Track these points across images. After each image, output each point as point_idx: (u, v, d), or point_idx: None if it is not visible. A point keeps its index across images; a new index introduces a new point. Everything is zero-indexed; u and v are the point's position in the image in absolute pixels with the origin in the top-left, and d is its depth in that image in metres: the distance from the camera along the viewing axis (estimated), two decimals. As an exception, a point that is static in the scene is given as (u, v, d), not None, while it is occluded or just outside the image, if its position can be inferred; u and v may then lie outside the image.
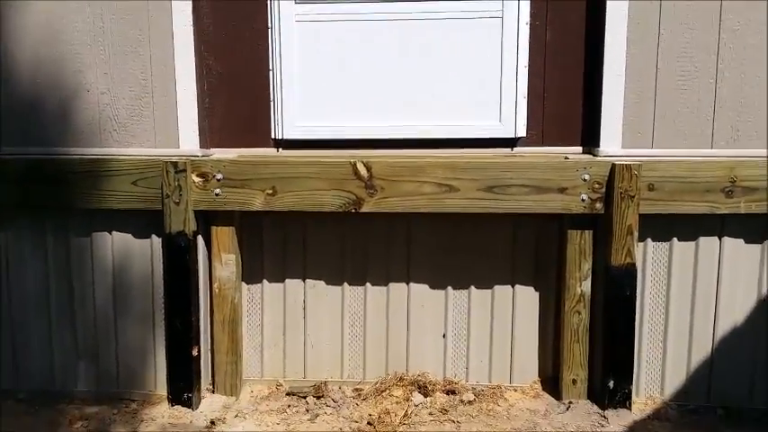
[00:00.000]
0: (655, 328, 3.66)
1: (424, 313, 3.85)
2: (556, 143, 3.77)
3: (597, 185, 3.44)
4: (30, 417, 3.67)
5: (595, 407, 3.59)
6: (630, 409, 3.53)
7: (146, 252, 3.77)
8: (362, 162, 3.54)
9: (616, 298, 3.48)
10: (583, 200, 3.45)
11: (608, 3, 3.49)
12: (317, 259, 3.86)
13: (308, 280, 3.88)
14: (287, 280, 3.89)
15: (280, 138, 3.86)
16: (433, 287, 3.83)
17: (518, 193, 3.48)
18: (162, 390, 3.81)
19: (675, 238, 3.58)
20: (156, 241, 3.74)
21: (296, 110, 3.82)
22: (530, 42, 3.69)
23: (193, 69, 3.68)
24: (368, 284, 3.85)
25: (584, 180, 3.44)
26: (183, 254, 3.63)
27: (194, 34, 3.66)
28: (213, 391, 3.84)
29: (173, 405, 3.71)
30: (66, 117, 3.72)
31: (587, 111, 3.70)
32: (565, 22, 3.68)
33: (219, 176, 3.59)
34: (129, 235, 3.76)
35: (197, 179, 3.60)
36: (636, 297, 3.51)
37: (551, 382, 3.80)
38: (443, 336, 3.86)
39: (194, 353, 3.69)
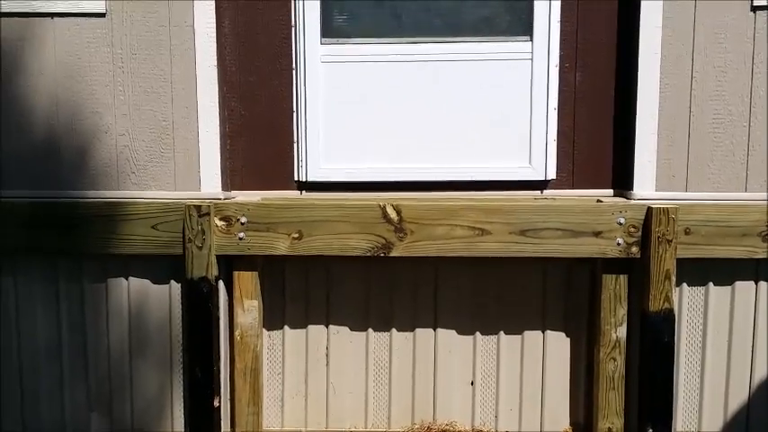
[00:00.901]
0: (691, 375, 3.59)
1: (452, 360, 3.74)
2: (586, 186, 3.72)
3: (633, 229, 3.39)
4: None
5: (633, 456, 3.51)
6: (669, 459, 3.46)
7: (164, 298, 3.63)
8: (392, 205, 3.45)
9: (654, 344, 3.41)
10: (618, 243, 3.40)
11: (640, 46, 3.46)
12: (341, 304, 3.75)
13: (331, 326, 3.76)
14: (309, 326, 3.77)
15: (303, 180, 3.76)
16: (460, 333, 3.73)
17: (551, 237, 3.41)
18: (179, 441, 3.67)
19: (711, 283, 3.53)
20: (175, 287, 3.61)
21: (320, 152, 3.74)
22: (559, 85, 3.66)
23: (216, 110, 3.58)
24: (393, 330, 3.74)
25: (620, 224, 3.39)
26: (206, 300, 3.50)
27: (218, 75, 3.57)
28: (233, 443, 3.71)
29: (192, 458, 3.57)
30: (82, 159, 3.60)
31: (618, 153, 3.67)
32: (595, 65, 3.66)
33: (244, 220, 3.48)
34: (147, 281, 3.62)
35: (220, 223, 3.49)
36: (674, 343, 3.44)
37: (583, 429, 3.71)
38: (471, 383, 3.75)
39: (216, 403, 3.54)
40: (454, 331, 3.74)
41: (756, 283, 3.52)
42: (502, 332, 3.72)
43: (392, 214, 3.45)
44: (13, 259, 3.64)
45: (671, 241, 3.33)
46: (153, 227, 3.50)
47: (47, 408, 3.71)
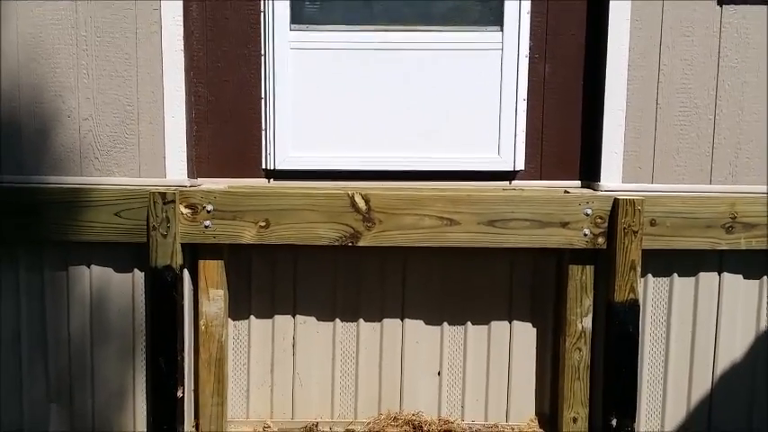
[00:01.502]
0: (655, 364, 3.62)
1: (419, 350, 3.73)
2: (554, 177, 3.73)
3: (600, 220, 3.41)
4: (-4, 464, 3.42)
5: (597, 445, 3.53)
6: (633, 448, 3.49)
7: (127, 287, 3.55)
8: (360, 194, 3.43)
9: (619, 335, 3.43)
10: (585, 234, 3.41)
11: (609, 39, 3.49)
12: (308, 294, 3.71)
13: (298, 316, 3.72)
14: (276, 316, 3.72)
15: (271, 168, 3.72)
16: (428, 323, 3.72)
17: (519, 228, 3.41)
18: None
19: (676, 274, 3.57)
20: (139, 275, 3.54)
21: (288, 140, 3.70)
22: (529, 75, 3.67)
23: (183, 96, 3.52)
24: (361, 320, 3.72)
25: (587, 215, 3.40)
26: (170, 289, 3.44)
27: (184, 59, 3.51)
28: (197, 434, 3.65)
29: (155, 450, 3.51)
30: (44, 143, 3.51)
31: (586, 145, 3.69)
32: (564, 56, 3.67)
33: (210, 208, 3.42)
34: (110, 269, 3.55)
35: (186, 211, 3.43)
36: (639, 334, 3.47)
37: (549, 419, 3.72)
38: (438, 373, 3.75)
39: (179, 394, 3.48)
40: (422, 321, 3.73)
41: (719, 275, 3.56)
42: (469, 322, 3.72)
43: (360, 203, 3.43)
44: (-30, 246, 3.55)
45: (636, 232, 3.36)
46: (116, 214, 3.42)
47: (4, 402, 3.61)
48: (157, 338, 3.48)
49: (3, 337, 3.59)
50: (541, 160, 3.74)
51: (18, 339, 3.60)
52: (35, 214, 3.43)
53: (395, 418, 3.70)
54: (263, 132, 3.72)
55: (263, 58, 3.67)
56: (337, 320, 3.73)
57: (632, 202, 3.35)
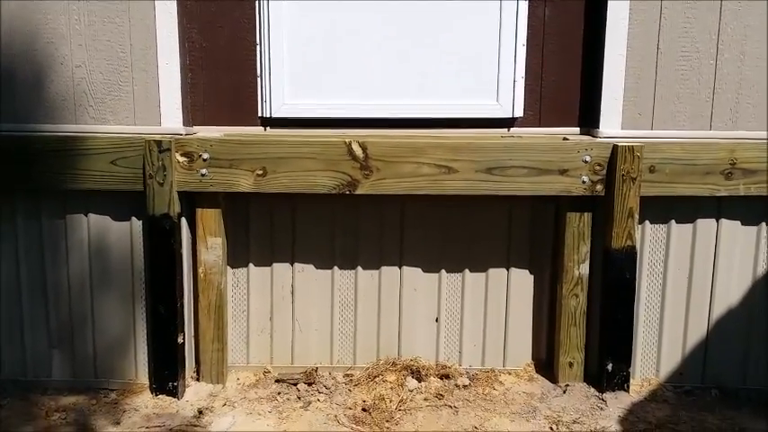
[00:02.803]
0: (651, 311, 3.65)
1: (417, 297, 3.76)
2: (553, 124, 3.70)
3: (598, 167, 3.39)
4: (1, 409, 3.46)
5: (592, 389, 3.57)
6: (628, 392, 3.53)
7: (125, 235, 3.57)
8: (358, 142, 3.40)
9: (616, 281, 3.45)
10: (584, 182, 3.40)
11: (610, -20, 3.43)
12: (306, 242, 3.72)
13: (296, 264, 3.74)
14: (274, 264, 3.74)
15: (267, 116, 3.68)
16: (426, 270, 3.74)
17: (517, 175, 3.40)
18: (143, 378, 3.65)
19: (674, 221, 3.56)
20: (137, 224, 3.55)
21: (285, 87, 3.65)
22: (528, 20, 3.59)
23: (176, 42, 3.47)
24: (359, 268, 3.73)
25: (585, 162, 3.38)
26: (168, 237, 3.45)
27: (177, 4, 3.45)
28: (198, 379, 3.69)
29: (156, 394, 3.55)
30: (38, 91, 3.48)
31: (585, 91, 3.64)
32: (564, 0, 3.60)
33: (206, 156, 3.40)
34: (107, 217, 3.55)
35: (182, 159, 3.41)
36: (636, 280, 3.49)
37: (545, 365, 3.78)
38: (436, 320, 3.78)
39: (180, 340, 3.52)
40: (419, 269, 3.74)
41: (718, 221, 3.55)
42: (467, 270, 3.73)
43: (358, 151, 3.41)
44: (-32, 195, 3.55)
45: (635, 179, 3.34)
46: (112, 162, 3.41)
47: (7, 348, 3.66)
48: (157, 286, 3.50)
49: (3, 284, 3.62)
50: (540, 107, 3.70)
51: (18, 287, 3.63)
52: (31, 163, 3.43)
53: (393, 363, 3.75)
54: (259, 79, 3.67)
55: (257, 2, 3.60)
56: (336, 268, 3.75)
57: (631, 149, 3.32)
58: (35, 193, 3.53)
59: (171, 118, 3.52)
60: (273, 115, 3.68)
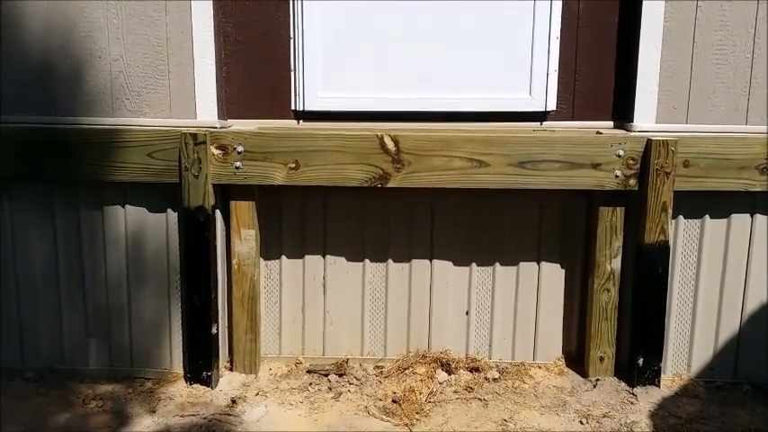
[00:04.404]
0: (683, 306, 3.64)
1: (447, 290, 3.77)
2: (587, 117, 3.68)
3: (632, 161, 3.37)
4: (40, 397, 3.54)
5: (623, 384, 3.56)
6: (659, 387, 3.52)
7: (161, 227, 3.62)
8: (390, 135, 3.42)
9: (648, 276, 3.44)
10: (617, 176, 3.39)
11: (646, -27, 3.40)
12: (338, 235, 3.75)
13: (327, 256, 3.77)
14: (306, 256, 3.78)
15: (300, 109, 3.71)
16: (456, 264, 3.75)
17: (549, 169, 3.40)
18: (178, 368, 3.71)
19: (708, 216, 3.54)
20: (172, 216, 3.60)
21: (318, 81, 3.68)
22: (562, 13, 3.58)
23: (212, 36, 3.50)
24: (390, 261, 3.76)
25: (619, 156, 3.37)
26: (202, 229, 3.50)
27: (213, -2, 3.50)
28: (231, 369, 3.75)
29: (191, 383, 3.61)
30: (77, 84, 3.54)
31: (619, 85, 3.62)
32: (599, -7, 3.60)
33: (240, 149, 3.45)
34: (144, 209, 3.61)
35: (217, 152, 3.46)
36: (668, 275, 3.47)
37: (575, 359, 3.78)
38: (466, 313, 3.80)
39: (213, 330, 3.58)
40: (450, 262, 3.76)
41: (752, 216, 3.52)
42: (497, 263, 3.74)
43: (390, 145, 3.43)
44: (10, 186, 3.62)
45: (669, 173, 3.32)
46: (149, 155, 3.47)
47: (45, 338, 3.74)
48: (191, 277, 3.56)
49: (41, 274, 3.70)
50: (574, 101, 3.68)
51: (56, 276, 3.70)
52: (70, 155, 3.49)
53: (423, 356, 3.77)
54: (292, 73, 3.70)
55: (292, -4, 3.64)
56: (367, 261, 3.78)
57: (665, 143, 3.30)
58: (73, 184, 3.59)
59: (206, 111, 3.56)
60: (306, 109, 3.71)
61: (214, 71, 3.54)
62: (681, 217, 3.54)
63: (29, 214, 3.65)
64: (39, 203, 3.64)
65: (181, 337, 3.69)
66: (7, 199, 3.63)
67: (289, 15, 3.64)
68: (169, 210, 3.60)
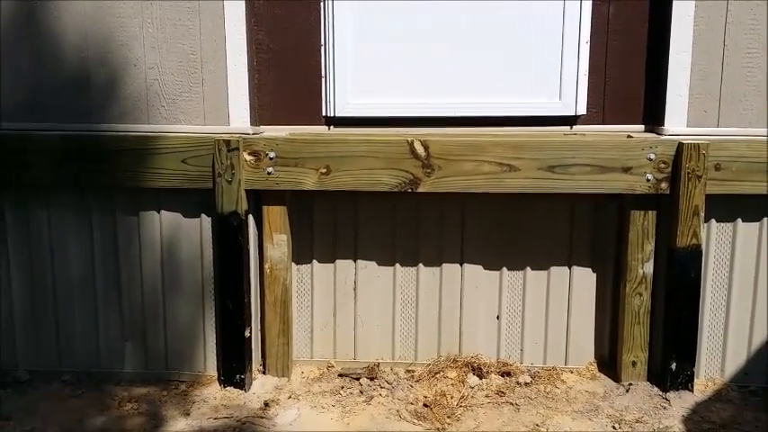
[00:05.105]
0: (716, 310, 3.62)
1: (478, 294, 3.78)
2: (617, 121, 3.68)
3: (663, 165, 3.37)
4: (77, 399, 3.61)
5: (656, 389, 3.55)
6: (692, 391, 3.50)
7: (195, 232, 3.68)
8: (420, 140, 3.45)
9: (681, 280, 3.43)
10: (648, 179, 3.38)
11: (675, -23, 3.40)
12: (369, 240, 3.78)
13: (358, 260, 3.80)
14: (337, 260, 3.81)
15: (331, 115, 3.76)
16: (487, 268, 3.77)
17: (580, 173, 3.40)
18: (212, 370, 3.76)
19: (740, 219, 3.52)
20: (206, 221, 3.66)
21: (348, 87, 3.72)
22: (592, 17, 3.59)
23: (244, 44, 3.56)
24: (420, 265, 3.78)
25: (650, 159, 3.37)
26: (235, 234, 3.55)
27: (245, 6, 3.54)
28: (264, 372, 3.79)
29: (224, 386, 3.66)
30: (113, 92, 3.61)
31: (650, 89, 3.61)
32: (628, -3, 3.60)
33: (272, 155, 3.50)
34: (179, 214, 3.67)
35: (249, 158, 3.51)
36: (701, 279, 3.46)
37: (607, 363, 3.77)
38: (497, 317, 3.80)
39: (247, 334, 3.62)
40: (480, 267, 3.77)
41: (786, 220, 3.52)
42: (528, 268, 3.75)
43: (420, 150, 3.45)
44: (47, 192, 3.69)
45: (701, 177, 3.31)
46: (183, 161, 3.53)
47: (82, 341, 3.81)
48: (225, 281, 3.61)
49: (78, 277, 3.77)
50: (604, 105, 3.68)
51: (93, 280, 3.77)
52: (106, 161, 3.57)
53: (454, 360, 3.78)
54: (323, 80, 3.75)
55: (322, 3, 3.67)
56: (397, 265, 3.80)
57: (697, 147, 3.30)
58: (109, 190, 3.66)
59: (239, 118, 3.62)
60: (337, 114, 3.75)
61: (247, 78, 3.59)
62: (713, 221, 3.52)
63: (66, 220, 3.72)
64: (76, 209, 3.71)
65: (215, 341, 3.74)
66: (45, 206, 3.71)
67: (320, 23, 3.69)
68: (203, 215, 3.65)
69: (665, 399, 3.47)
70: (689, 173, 3.32)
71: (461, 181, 3.46)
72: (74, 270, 3.76)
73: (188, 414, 3.44)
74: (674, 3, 3.42)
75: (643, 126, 3.67)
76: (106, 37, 3.58)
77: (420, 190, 3.49)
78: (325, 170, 3.50)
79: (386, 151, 3.47)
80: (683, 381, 3.49)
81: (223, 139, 3.47)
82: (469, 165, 3.44)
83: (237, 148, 3.47)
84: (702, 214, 3.36)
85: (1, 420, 3.39)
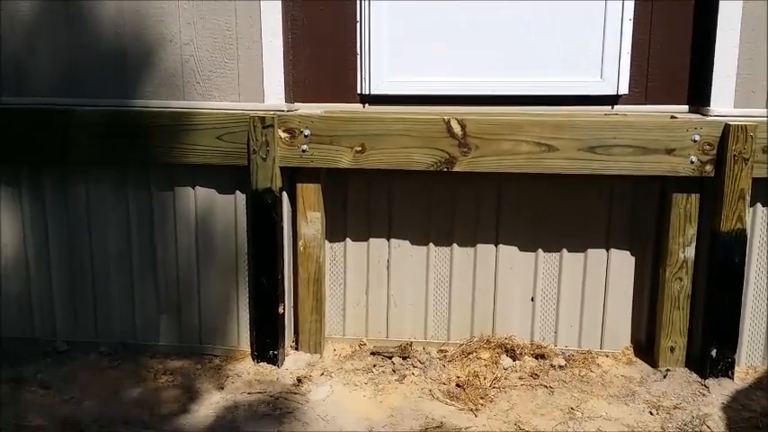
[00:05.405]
0: (759, 297, 3.52)
1: (513, 276, 3.74)
2: (660, 101, 3.59)
3: (708, 147, 3.26)
4: (113, 370, 3.67)
5: (694, 375, 3.48)
6: (733, 379, 3.42)
7: (229, 208, 3.68)
8: (456, 119, 3.39)
9: (723, 265, 3.34)
10: (692, 162, 3.29)
11: (725, -49, 3.27)
12: (402, 218, 3.75)
13: (392, 239, 3.78)
14: (371, 239, 3.79)
15: (366, 93, 3.72)
16: (522, 249, 3.71)
17: (622, 154, 3.31)
18: (245, 345, 3.78)
19: (787, 204, 3.43)
20: (240, 197, 3.66)
21: (384, 64, 3.68)
22: (636, -7, 3.50)
23: (279, 20, 3.52)
24: (455, 245, 3.74)
25: (695, 141, 3.26)
26: (270, 211, 3.55)
27: (281, -18, 3.52)
28: (296, 349, 3.81)
29: (257, 362, 3.68)
30: (149, 68, 3.61)
31: (695, 67, 3.51)
32: (675, -28, 3.48)
33: (307, 132, 3.47)
34: (213, 190, 3.67)
35: (284, 135, 3.49)
36: (744, 265, 3.37)
37: (644, 348, 3.70)
38: (532, 299, 3.76)
39: (280, 310, 3.64)
40: (516, 248, 3.72)
41: (834, 205, 3.39)
42: (564, 250, 3.68)
43: (456, 129, 3.40)
44: (84, 168, 3.73)
45: (747, 160, 3.21)
46: (218, 137, 3.53)
47: (118, 314, 3.86)
48: (259, 258, 3.62)
49: (115, 252, 3.81)
50: (647, 84, 3.58)
51: (129, 254, 3.81)
52: (142, 136, 3.58)
53: (487, 341, 3.75)
54: (359, 57, 3.71)
55: (358, -21, 3.63)
56: (431, 245, 3.77)
57: (744, 128, 3.19)
58: (145, 165, 3.68)
59: (274, 95, 3.59)
60: (372, 92, 3.71)
61: (282, 55, 3.56)
62: (758, 205, 3.42)
63: (103, 195, 3.75)
64: (113, 184, 3.74)
65: (248, 316, 3.76)
66: (83, 180, 3.74)
67: (356, -1, 3.65)
68: (237, 191, 3.65)
69: (704, 386, 3.40)
70: (735, 155, 3.21)
71: (499, 161, 3.40)
72: (111, 244, 3.80)
73: (222, 388, 3.48)
74: (723, -22, 3.30)
75: (687, 107, 3.57)
76: (142, 13, 3.56)
77: (456, 169, 3.44)
78: (360, 148, 3.47)
79: (422, 130, 3.42)
80: (724, 368, 3.42)
81: (258, 116, 3.45)
82: (507, 144, 3.38)
83: (272, 125, 3.45)
84: (748, 198, 3.26)
85: (42, 389, 3.47)
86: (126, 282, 3.83)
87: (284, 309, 3.69)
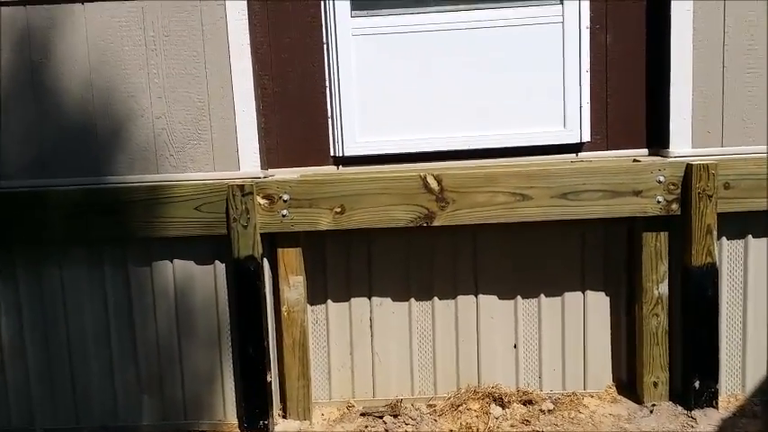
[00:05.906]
0: (733, 326, 3.66)
1: (494, 325, 3.79)
2: (621, 146, 3.76)
3: (673, 186, 3.43)
4: (95, 455, 3.56)
5: (680, 408, 3.57)
6: (717, 408, 3.52)
7: (209, 278, 3.65)
8: (432, 175, 3.48)
9: (698, 299, 3.48)
10: (658, 201, 3.44)
11: (672, 4, 3.49)
12: (383, 276, 3.79)
13: (373, 298, 3.80)
14: (352, 299, 3.81)
15: (339, 155, 3.79)
16: (501, 297, 3.78)
17: (591, 199, 3.45)
18: (231, 418, 3.71)
19: (750, 236, 3.59)
20: (220, 267, 3.64)
21: (355, 126, 3.76)
22: (591, 47, 3.69)
23: (251, 89, 3.58)
24: (435, 299, 3.79)
25: (660, 182, 3.43)
26: (253, 278, 3.54)
27: (251, 53, 3.57)
28: (284, 417, 3.74)
29: (247, 433, 3.63)
30: (120, 143, 3.60)
31: (652, 112, 3.71)
32: (626, 24, 3.69)
33: (286, 197, 3.50)
34: (191, 262, 3.64)
35: (263, 201, 3.51)
36: (719, 296, 3.51)
37: (626, 385, 3.79)
38: (514, 346, 3.81)
39: (268, 378, 3.59)
40: (495, 296, 3.79)
41: (794, 234, 3.59)
42: (542, 295, 3.77)
43: (433, 184, 3.48)
44: (58, 247, 3.65)
45: (711, 197, 3.38)
46: (196, 208, 3.52)
47: (98, 396, 3.74)
48: (244, 327, 3.58)
49: (93, 331, 3.71)
50: (607, 130, 3.76)
51: (107, 333, 3.71)
52: (117, 212, 3.54)
53: (474, 391, 3.77)
54: (330, 120, 3.79)
55: (325, 46, 3.72)
56: (412, 300, 3.80)
57: (706, 167, 3.37)
58: (122, 241, 3.63)
59: (249, 162, 3.62)
60: (345, 154, 3.78)
61: (255, 123, 3.61)
62: (724, 238, 3.58)
63: (79, 274, 3.67)
64: (88, 263, 3.67)
65: (233, 387, 3.70)
66: (57, 261, 3.66)
67: (323, 65, 3.74)
68: (217, 261, 3.63)
69: (691, 417, 3.50)
70: (700, 193, 3.38)
71: (476, 212, 3.49)
72: (88, 324, 3.70)
73: (213, 464, 3.41)
74: (673, 27, 3.52)
75: (647, 150, 3.76)
76: (112, 89, 3.57)
77: (435, 224, 3.51)
78: (339, 209, 3.51)
79: (399, 187, 3.49)
80: (708, 398, 3.52)
81: (236, 184, 3.47)
82: (483, 196, 3.48)
83: (252, 193, 3.47)
84: (715, 233, 3.42)
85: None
86: (105, 362, 3.73)
87: (272, 377, 3.64)
